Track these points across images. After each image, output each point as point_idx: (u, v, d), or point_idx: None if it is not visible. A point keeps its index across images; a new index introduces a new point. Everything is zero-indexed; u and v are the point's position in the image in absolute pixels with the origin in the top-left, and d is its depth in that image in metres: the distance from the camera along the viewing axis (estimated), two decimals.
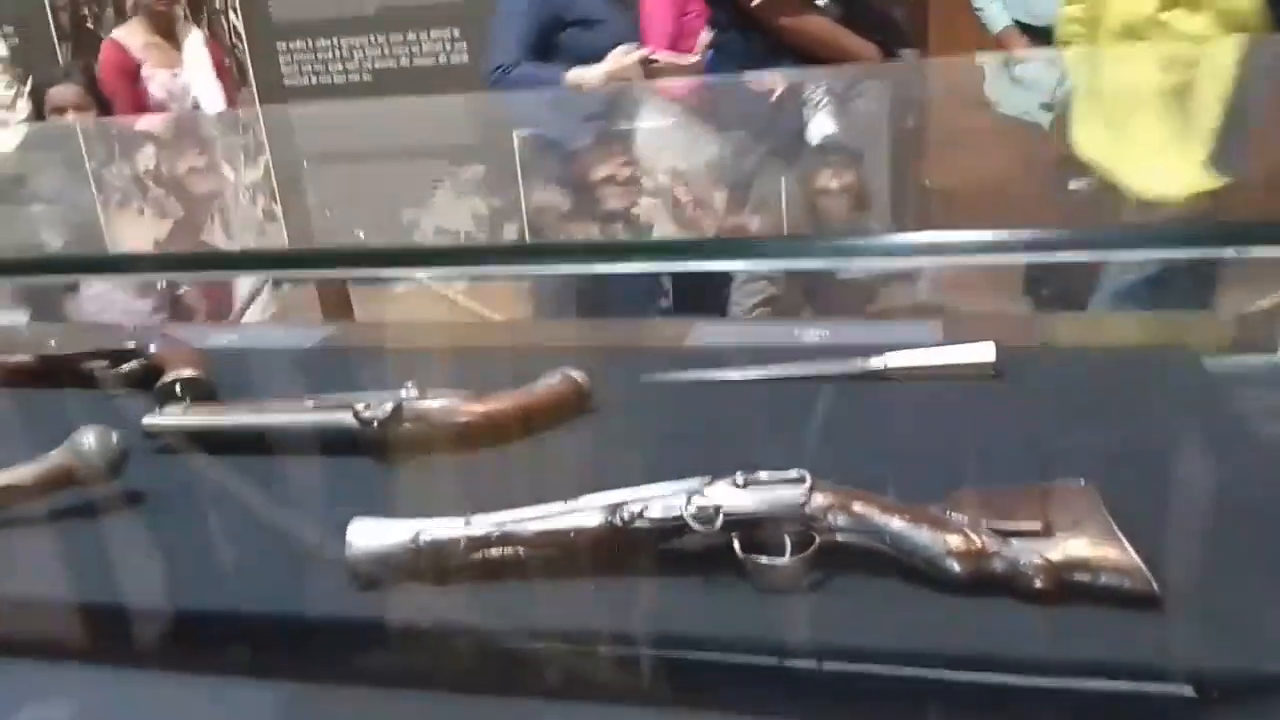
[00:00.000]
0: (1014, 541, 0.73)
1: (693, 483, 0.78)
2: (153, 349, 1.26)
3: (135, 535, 0.93)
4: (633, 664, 0.72)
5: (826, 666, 0.70)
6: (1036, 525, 0.73)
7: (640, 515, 0.76)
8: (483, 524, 0.79)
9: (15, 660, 0.81)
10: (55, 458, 0.94)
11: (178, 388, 1.14)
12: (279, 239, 1.17)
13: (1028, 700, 0.67)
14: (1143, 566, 0.70)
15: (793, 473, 0.77)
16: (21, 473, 0.93)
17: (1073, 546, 0.72)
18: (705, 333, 1.36)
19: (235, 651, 0.79)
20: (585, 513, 0.78)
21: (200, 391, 1.17)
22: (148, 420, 1.06)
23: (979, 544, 0.73)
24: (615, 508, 0.78)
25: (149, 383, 1.21)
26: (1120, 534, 0.72)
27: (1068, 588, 0.71)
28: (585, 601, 0.77)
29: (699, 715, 0.67)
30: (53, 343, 1.30)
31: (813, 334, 1.30)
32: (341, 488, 0.97)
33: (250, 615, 0.81)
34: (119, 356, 1.27)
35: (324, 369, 1.38)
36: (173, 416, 1.07)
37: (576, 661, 0.73)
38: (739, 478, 0.78)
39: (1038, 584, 0.71)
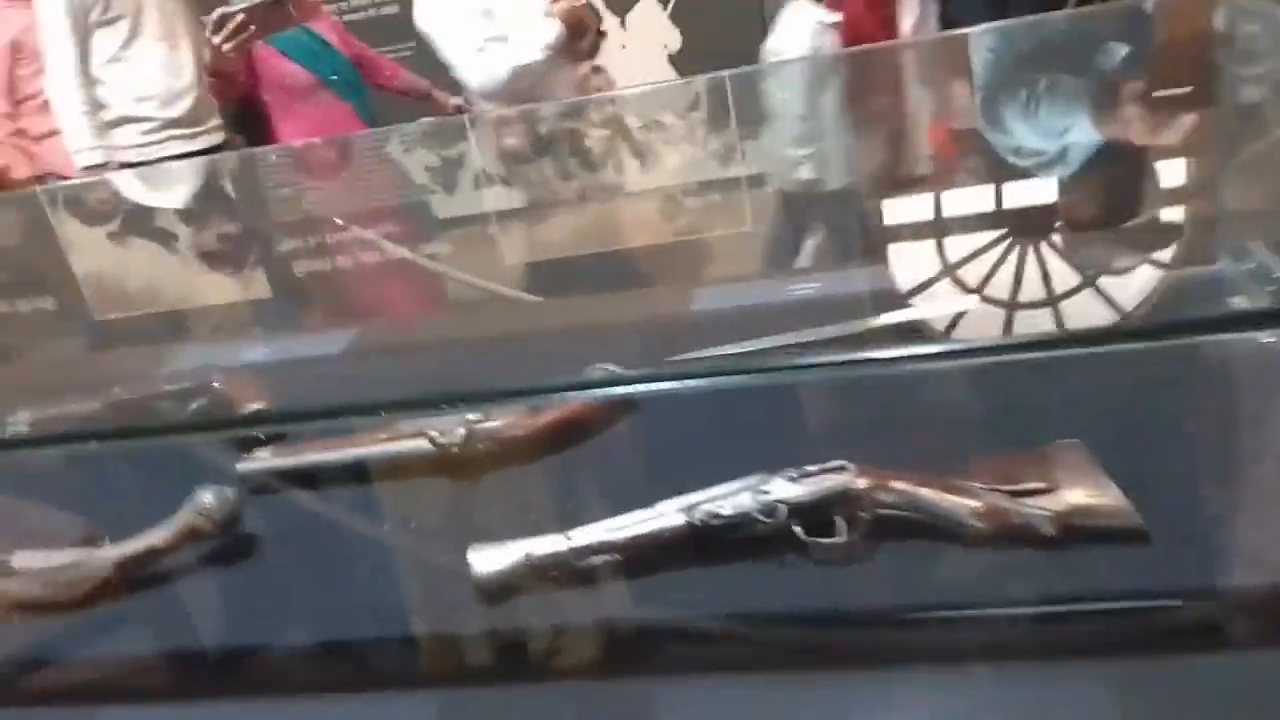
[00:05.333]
0: (1025, 499, 0.89)
1: (752, 480, 0.93)
2: (215, 385, 1.36)
3: (267, 576, 1.06)
4: (730, 639, 0.88)
5: (888, 619, 0.86)
6: (1042, 484, 0.89)
7: (716, 515, 0.91)
8: (582, 537, 0.93)
9: (187, 703, 0.95)
10: (181, 518, 1.06)
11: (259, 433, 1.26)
12: None
13: (1049, 625, 0.84)
14: (1131, 508, 0.86)
15: (834, 463, 0.92)
16: (155, 536, 1.05)
17: (1073, 497, 0.88)
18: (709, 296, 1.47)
19: (387, 668, 0.94)
20: (667, 516, 0.93)
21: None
22: (241, 466, 1.18)
23: (997, 504, 0.89)
24: (692, 508, 0.92)
25: (217, 418, 1.32)
26: (1111, 482, 0.88)
27: (1072, 533, 0.87)
28: (679, 591, 0.92)
29: (791, 679, 0.83)
30: (117, 389, 1.40)
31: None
32: (432, 508, 1.10)
33: (392, 635, 0.96)
34: (184, 395, 1.38)
35: (363, 378, 1.50)
36: (263, 461, 1.18)
37: (682, 642, 0.89)
38: (792, 472, 0.92)
39: (1048, 532, 0.87)
